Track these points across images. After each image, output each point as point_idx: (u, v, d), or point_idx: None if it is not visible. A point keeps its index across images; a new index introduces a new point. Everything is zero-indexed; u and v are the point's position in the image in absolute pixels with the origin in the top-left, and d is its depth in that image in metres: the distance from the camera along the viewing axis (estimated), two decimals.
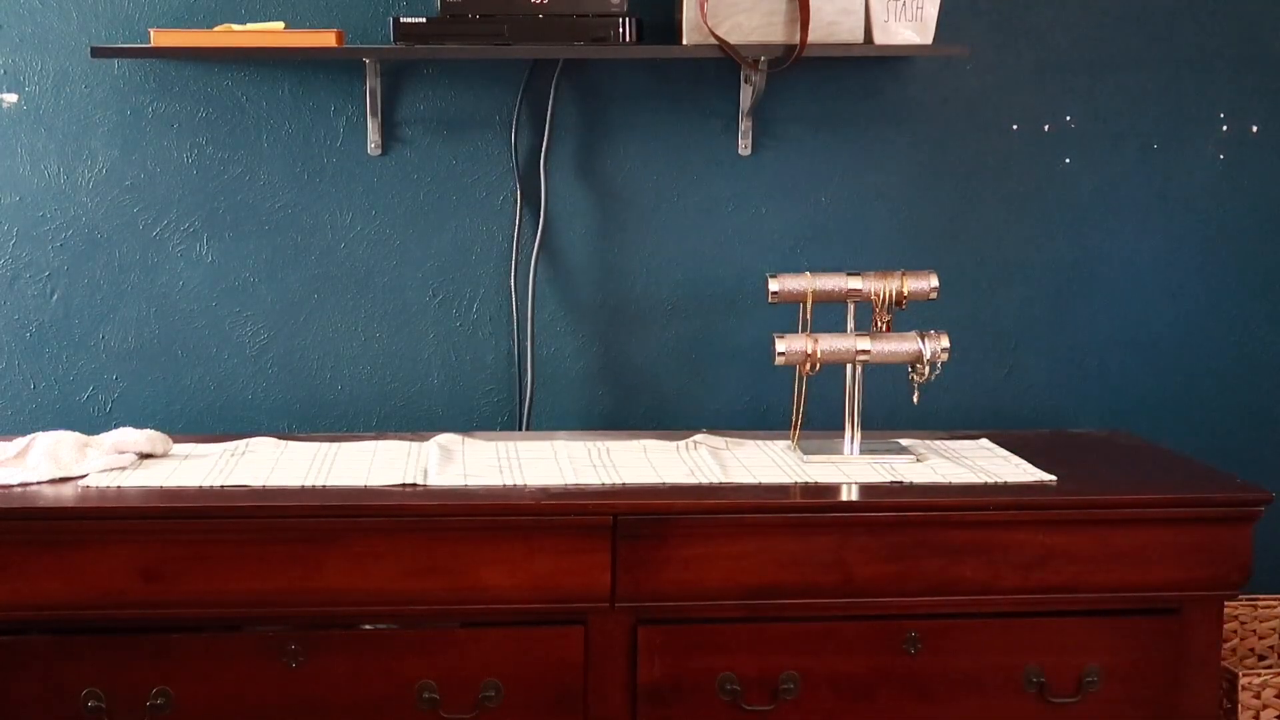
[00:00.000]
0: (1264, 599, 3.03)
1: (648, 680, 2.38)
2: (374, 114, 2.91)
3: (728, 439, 2.77)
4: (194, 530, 2.30)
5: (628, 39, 2.74)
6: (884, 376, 2.86)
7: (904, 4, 2.77)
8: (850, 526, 2.38)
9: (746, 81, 2.89)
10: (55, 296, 2.94)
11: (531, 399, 3.00)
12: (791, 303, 2.64)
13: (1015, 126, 3.04)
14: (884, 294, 2.62)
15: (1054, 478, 2.51)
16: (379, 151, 2.94)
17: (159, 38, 2.74)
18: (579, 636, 2.37)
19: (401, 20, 2.73)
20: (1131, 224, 3.08)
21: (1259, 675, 2.79)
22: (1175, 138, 3.06)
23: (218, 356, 2.97)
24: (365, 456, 2.61)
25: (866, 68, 2.98)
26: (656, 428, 2.97)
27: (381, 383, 3.00)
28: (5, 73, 2.88)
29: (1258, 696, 2.79)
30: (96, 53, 2.76)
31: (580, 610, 2.36)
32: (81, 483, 2.43)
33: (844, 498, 2.45)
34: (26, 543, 2.29)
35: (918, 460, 2.61)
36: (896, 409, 2.87)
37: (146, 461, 2.57)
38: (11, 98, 2.89)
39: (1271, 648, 3.05)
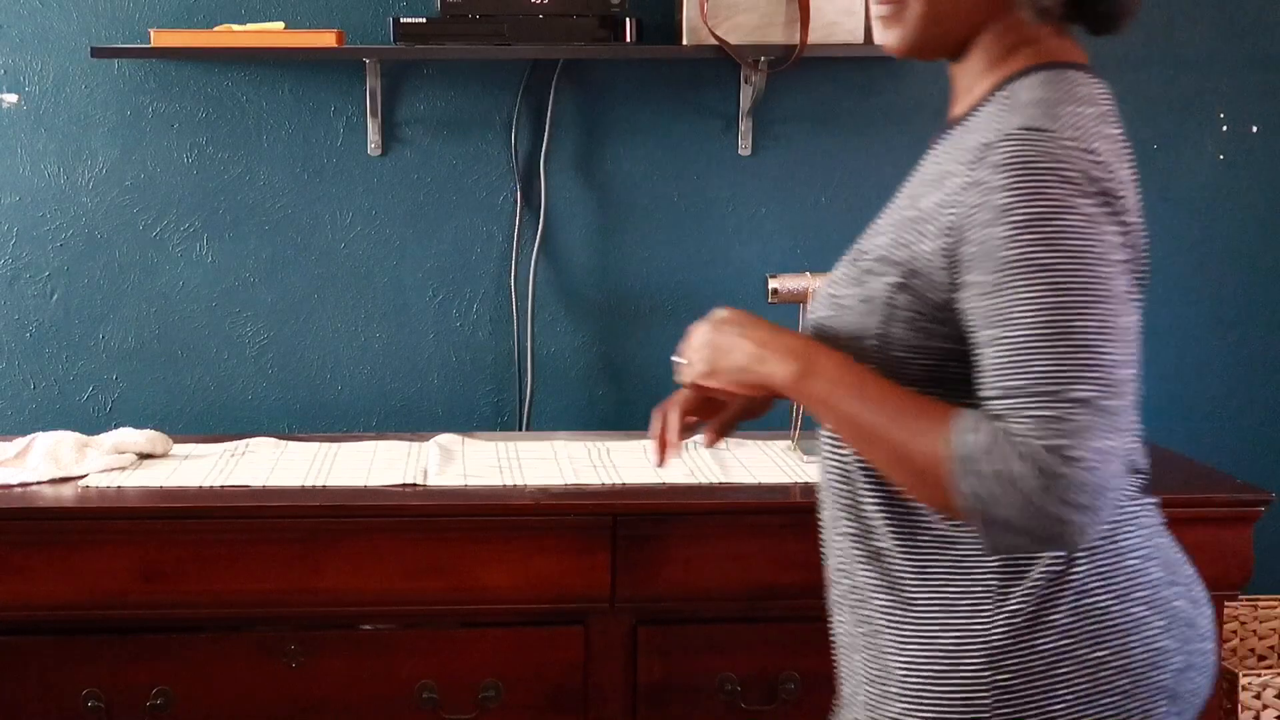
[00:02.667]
0: (1264, 599, 3.03)
1: (648, 680, 2.38)
2: (374, 114, 2.91)
3: (728, 439, 2.77)
4: (194, 530, 2.30)
5: (628, 39, 2.74)
6: None
7: None
8: None
9: (746, 81, 2.89)
10: (55, 296, 2.94)
11: (531, 399, 3.00)
12: (791, 303, 2.64)
13: None
14: None
15: None
16: (379, 151, 2.94)
17: (159, 38, 2.74)
18: (579, 636, 2.36)
19: (401, 20, 2.73)
20: None
21: (1259, 675, 2.79)
22: (1175, 138, 3.06)
23: (218, 356, 2.97)
24: (365, 457, 2.61)
25: (866, 68, 2.98)
26: None
27: (381, 383, 3.01)
28: (5, 73, 2.89)
29: (1258, 697, 2.79)
30: (96, 53, 2.77)
31: (580, 610, 2.36)
32: (81, 483, 2.43)
33: None
34: (26, 543, 2.29)
35: None
36: None
37: (146, 461, 2.57)
38: (11, 98, 2.89)
39: (1271, 648, 3.05)
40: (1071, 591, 1.49)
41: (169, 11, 2.88)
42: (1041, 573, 1.49)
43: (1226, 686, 2.77)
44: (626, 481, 2.46)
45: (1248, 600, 3.02)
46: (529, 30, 2.74)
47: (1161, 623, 1.53)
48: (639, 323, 3.03)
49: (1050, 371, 1.37)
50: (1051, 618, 1.49)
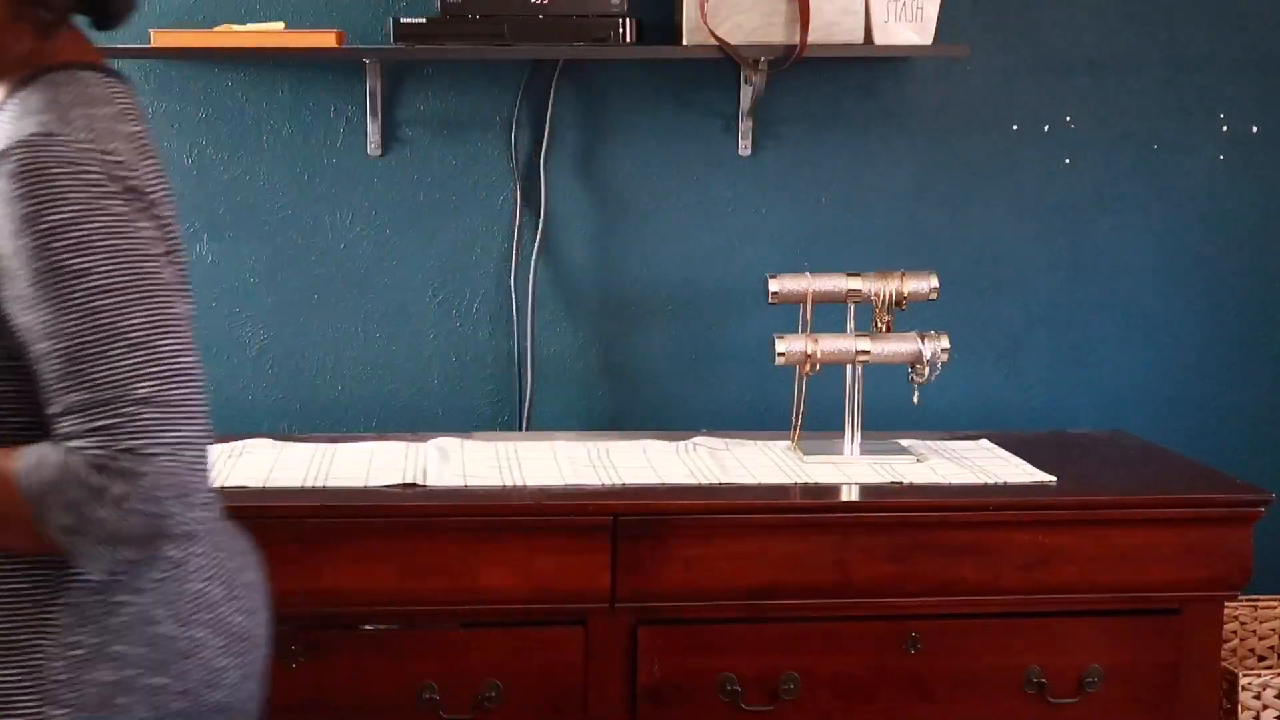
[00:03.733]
0: (1264, 599, 3.03)
1: (648, 681, 2.38)
2: (374, 115, 2.91)
3: (728, 439, 2.77)
4: None
5: (628, 39, 2.74)
6: (884, 376, 2.86)
7: (904, 4, 2.77)
8: (850, 527, 2.38)
9: (746, 82, 2.89)
10: None
11: (531, 399, 3.00)
12: (791, 303, 2.64)
13: (1015, 126, 3.04)
14: (884, 294, 2.62)
15: (1054, 478, 2.51)
16: (379, 152, 2.94)
17: (159, 38, 2.74)
18: (579, 637, 2.36)
19: (401, 20, 2.73)
20: (1131, 224, 3.08)
21: (1259, 675, 2.79)
22: (1175, 138, 3.06)
23: (218, 356, 2.97)
24: (364, 457, 2.61)
25: (866, 68, 2.98)
26: (656, 428, 2.97)
27: (381, 383, 3.00)
28: None
29: (1258, 697, 2.78)
30: None
31: (580, 611, 2.36)
32: None
33: (844, 498, 2.45)
34: None
35: (918, 460, 2.61)
36: (896, 409, 2.87)
37: None
38: None
39: (1271, 648, 3.05)
40: (136, 622, 1.49)
41: (169, 11, 2.88)
42: (105, 606, 1.47)
43: (1226, 687, 2.77)
44: (626, 481, 2.46)
45: (1248, 600, 3.02)
46: (529, 30, 2.74)
47: (220, 642, 1.55)
48: (639, 323, 3.03)
49: (107, 378, 1.36)
50: (115, 649, 1.47)
